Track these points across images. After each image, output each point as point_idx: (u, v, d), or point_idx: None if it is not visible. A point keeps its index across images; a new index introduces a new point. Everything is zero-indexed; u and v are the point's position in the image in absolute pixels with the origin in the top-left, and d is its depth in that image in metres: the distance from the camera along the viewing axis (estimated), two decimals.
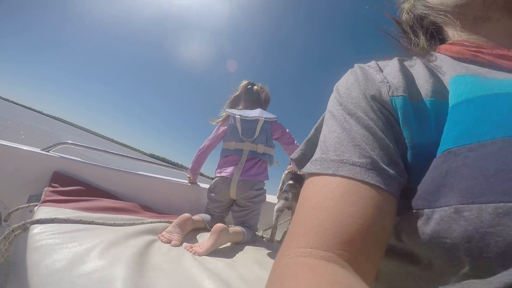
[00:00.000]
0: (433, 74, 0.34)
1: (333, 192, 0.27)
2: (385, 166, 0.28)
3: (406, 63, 0.37)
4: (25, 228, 0.77)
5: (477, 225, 0.21)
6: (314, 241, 0.25)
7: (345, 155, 0.29)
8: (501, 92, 0.26)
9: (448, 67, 0.34)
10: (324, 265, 0.23)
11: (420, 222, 0.26)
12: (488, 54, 0.33)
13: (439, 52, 0.39)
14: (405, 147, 0.30)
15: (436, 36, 0.43)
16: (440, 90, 0.31)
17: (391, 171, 0.28)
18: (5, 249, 0.72)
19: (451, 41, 0.40)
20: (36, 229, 0.75)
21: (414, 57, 0.39)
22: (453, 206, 0.23)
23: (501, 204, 0.21)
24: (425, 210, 0.26)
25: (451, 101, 0.29)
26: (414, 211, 0.27)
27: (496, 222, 0.20)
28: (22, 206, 0.95)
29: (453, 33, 0.41)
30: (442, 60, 0.36)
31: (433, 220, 0.24)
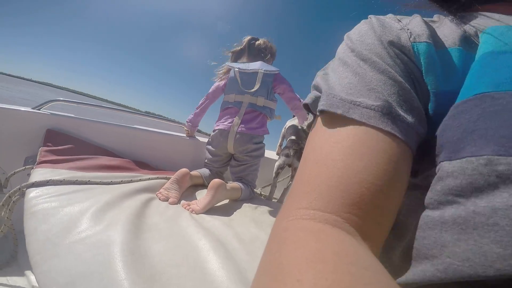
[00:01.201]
0: (461, 26, 0.30)
1: (341, 142, 0.24)
2: (403, 113, 0.25)
3: (428, 20, 0.32)
4: (22, 193, 0.77)
5: (509, 181, 0.18)
6: (317, 201, 0.22)
7: (358, 97, 0.25)
8: None
9: (484, 20, 0.29)
10: (328, 230, 0.20)
11: (434, 180, 0.22)
12: None
13: (478, 12, 0.32)
14: (427, 95, 0.27)
15: None
16: (468, 41, 0.28)
17: (410, 119, 0.25)
18: (7, 217, 0.73)
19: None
20: (32, 193, 0.75)
21: (436, 15, 0.33)
22: (486, 156, 0.19)
23: None
24: (444, 163, 0.22)
25: (488, 47, 0.25)
26: (432, 167, 0.23)
27: None
28: (18, 169, 0.95)
29: None
30: (478, 16, 0.31)
31: (450, 174, 0.21)
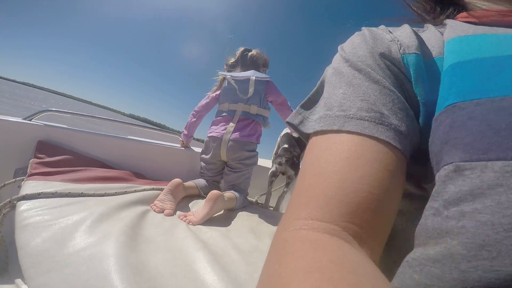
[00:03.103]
0: (442, 34, 0.31)
1: (338, 154, 0.25)
2: (397, 121, 0.26)
3: (417, 29, 0.33)
4: (12, 206, 0.74)
5: (474, 185, 0.19)
6: (315, 211, 0.23)
7: (352, 110, 0.27)
8: None
9: (454, 28, 0.31)
10: (326, 240, 0.21)
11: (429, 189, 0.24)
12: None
13: (456, 20, 0.34)
14: (417, 105, 0.28)
15: (457, 3, 0.38)
16: None
17: (404, 127, 0.26)
18: None
19: (473, 10, 0.35)
20: (23, 206, 0.73)
21: (426, 25, 0.35)
22: (454, 163, 0.21)
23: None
24: (436, 174, 0.23)
25: (455, 58, 0.26)
26: (428, 179, 0.25)
27: (499, 182, 0.18)
28: (8, 182, 0.92)
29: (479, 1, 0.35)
30: (454, 24, 0.32)
31: (434, 185, 0.22)
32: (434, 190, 0.22)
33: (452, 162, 0.21)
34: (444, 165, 0.22)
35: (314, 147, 0.28)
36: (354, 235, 0.22)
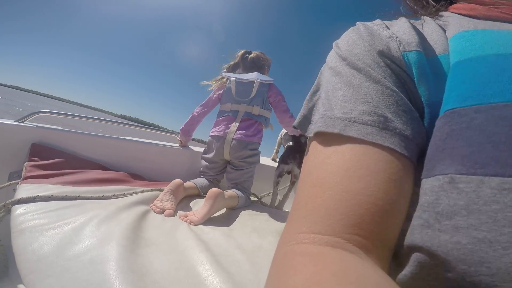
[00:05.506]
0: (444, 30, 0.30)
1: (339, 164, 0.23)
2: (401, 125, 0.24)
3: (414, 22, 0.32)
4: (7, 210, 0.72)
5: (470, 200, 0.18)
6: (316, 225, 0.22)
7: (354, 113, 0.25)
8: None
9: (454, 23, 0.30)
10: (328, 252, 0.20)
11: (418, 196, 0.23)
12: (505, 11, 0.29)
13: (449, 11, 0.34)
14: (421, 106, 0.26)
15: None
16: None
17: (409, 131, 0.24)
18: None
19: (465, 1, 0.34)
20: (18, 210, 0.71)
21: (423, 17, 0.34)
22: (449, 175, 0.20)
23: (510, 178, 0.17)
24: (423, 180, 0.22)
25: (456, 57, 0.25)
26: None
27: (496, 199, 0.17)
28: (2, 185, 0.89)
29: None
30: (451, 18, 0.31)
31: (424, 192, 0.21)
32: (423, 199, 0.21)
33: (448, 174, 0.20)
34: (438, 175, 0.21)
35: (313, 153, 0.27)
36: (359, 246, 0.21)
